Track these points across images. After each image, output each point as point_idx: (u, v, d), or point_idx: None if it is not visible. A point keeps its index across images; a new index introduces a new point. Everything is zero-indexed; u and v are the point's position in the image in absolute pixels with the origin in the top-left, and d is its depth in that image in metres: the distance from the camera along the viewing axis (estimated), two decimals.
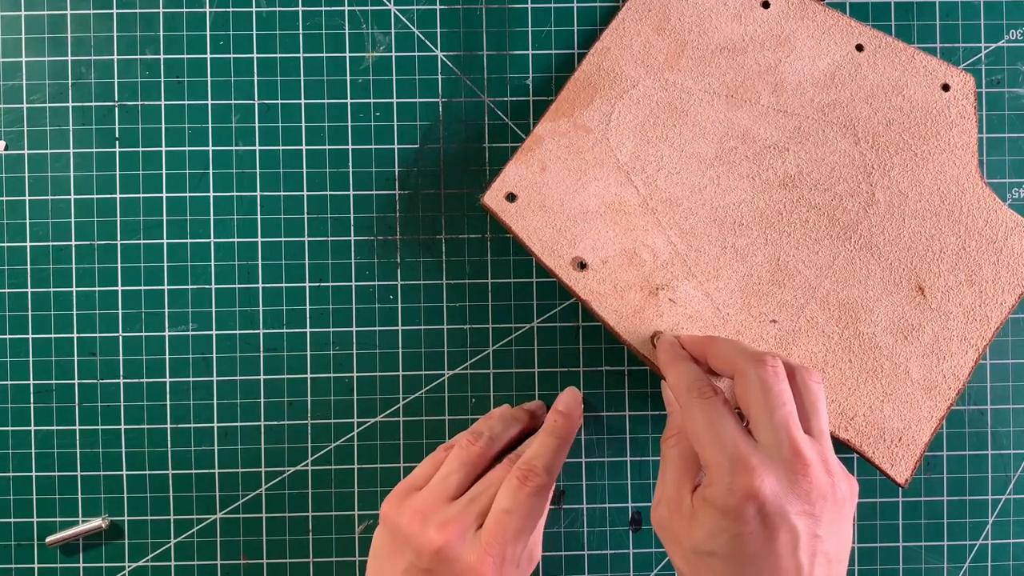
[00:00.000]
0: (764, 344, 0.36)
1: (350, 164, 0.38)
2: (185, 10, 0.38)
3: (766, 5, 0.38)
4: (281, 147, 0.38)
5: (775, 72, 0.37)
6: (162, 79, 0.38)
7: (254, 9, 0.38)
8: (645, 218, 0.36)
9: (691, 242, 0.36)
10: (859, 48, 0.37)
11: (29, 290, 0.38)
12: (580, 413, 0.35)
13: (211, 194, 0.38)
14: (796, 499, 0.26)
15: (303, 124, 0.38)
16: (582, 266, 0.36)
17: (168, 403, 0.38)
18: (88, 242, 0.38)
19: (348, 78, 0.38)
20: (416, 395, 0.38)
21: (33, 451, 0.38)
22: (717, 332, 0.36)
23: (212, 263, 0.38)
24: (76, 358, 0.38)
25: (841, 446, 0.35)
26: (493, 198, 0.36)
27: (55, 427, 0.38)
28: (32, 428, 0.38)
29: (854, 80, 0.37)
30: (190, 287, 0.38)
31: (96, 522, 0.37)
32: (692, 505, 0.28)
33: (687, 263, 0.36)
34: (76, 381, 0.38)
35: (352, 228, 0.38)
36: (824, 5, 0.38)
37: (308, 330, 0.38)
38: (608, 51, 0.37)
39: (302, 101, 0.38)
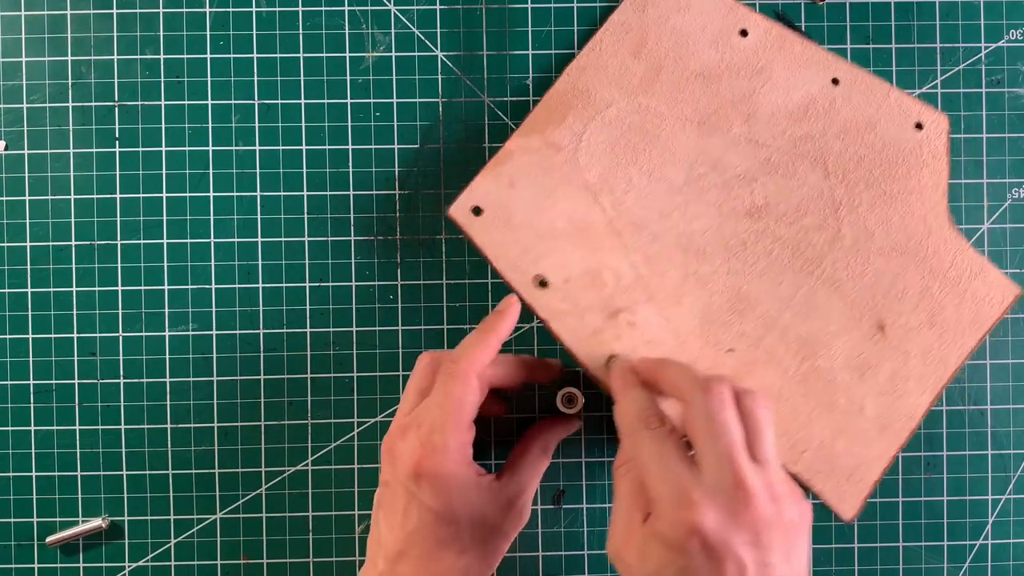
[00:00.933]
0: (720, 373, 0.35)
1: (350, 164, 0.38)
2: (185, 10, 0.38)
3: (744, 33, 0.37)
4: (281, 147, 0.38)
5: (749, 101, 0.37)
6: (162, 79, 0.38)
7: (254, 9, 0.38)
8: (610, 240, 0.36)
9: (655, 267, 0.36)
10: (835, 82, 0.37)
11: (29, 290, 0.38)
12: (514, 312, 0.33)
13: (211, 194, 0.38)
14: (739, 530, 0.25)
15: (303, 124, 0.38)
16: (543, 284, 0.35)
17: (168, 403, 0.38)
18: (88, 242, 0.38)
19: (348, 78, 0.38)
20: None
21: (33, 451, 0.38)
22: (675, 358, 0.34)
23: (212, 263, 0.38)
24: (76, 358, 0.38)
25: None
26: (459, 211, 0.36)
27: (55, 427, 0.38)
28: (32, 428, 0.38)
29: (828, 114, 0.37)
30: (190, 287, 0.38)
31: (96, 522, 0.37)
32: (642, 536, 0.27)
33: (649, 288, 0.36)
34: (76, 381, 0.38)
35: (352, 228, 0.38)
36: (804, 36, 0.37)
37: (308, 330, 0.38)
38: (584, 70, 0.37)
39: (302, 101, 0.38)
